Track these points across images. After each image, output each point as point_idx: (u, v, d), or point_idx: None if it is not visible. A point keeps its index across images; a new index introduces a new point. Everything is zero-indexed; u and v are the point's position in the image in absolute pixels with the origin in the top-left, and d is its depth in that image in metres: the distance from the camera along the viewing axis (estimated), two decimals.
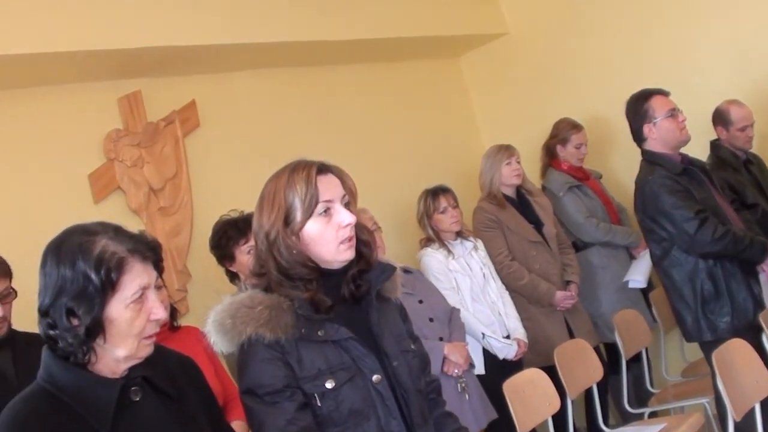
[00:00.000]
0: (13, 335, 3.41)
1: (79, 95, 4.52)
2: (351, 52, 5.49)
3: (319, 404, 2.23)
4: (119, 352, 2.03)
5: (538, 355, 4.75)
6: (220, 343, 2.27)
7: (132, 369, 2.08)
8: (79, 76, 4.44)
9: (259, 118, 5.18)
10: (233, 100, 5.12)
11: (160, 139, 4.67)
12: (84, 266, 1.97)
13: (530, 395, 4.08)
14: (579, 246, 5.36)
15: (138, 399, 2.08)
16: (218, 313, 2.28)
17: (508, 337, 4.71)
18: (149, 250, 2.07)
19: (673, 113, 4.29)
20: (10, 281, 3.35)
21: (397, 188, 5.51)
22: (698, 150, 4.77)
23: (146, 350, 2.08)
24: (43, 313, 2.02)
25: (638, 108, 4.34)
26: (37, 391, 2.05)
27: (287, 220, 2.30)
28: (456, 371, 4.21)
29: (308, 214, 2.29)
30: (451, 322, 4.45)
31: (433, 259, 4.81)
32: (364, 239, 2.39)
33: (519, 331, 4.77)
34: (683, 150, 4.39)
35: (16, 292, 3.36)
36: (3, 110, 4.27)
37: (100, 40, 4.16)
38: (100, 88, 4.58)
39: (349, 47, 5.34)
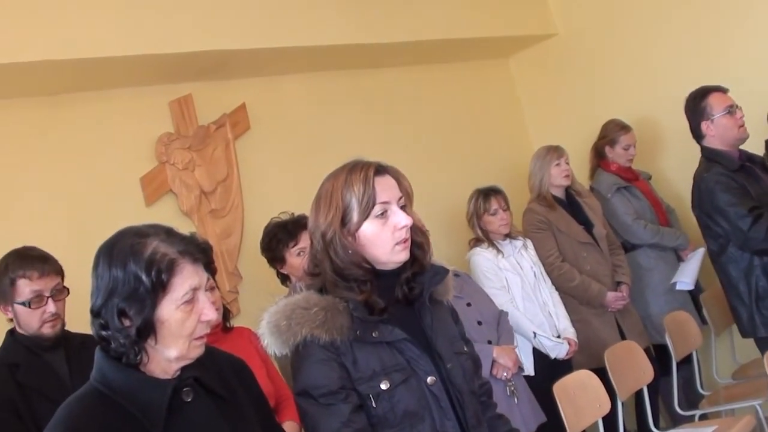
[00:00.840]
0: (67, 336, 3.47)
1: (132, 99, 4.58)
2: (399, 55, 5.50)
3: (374, 405, 2.24)
4: (170, 352, 2.05)
5: (589, 356, 4.72)
6: (274, 345, 2.28)
7: (184, 370, 2.10)
8: (131, 80, 4.50)
9: (308, 121, 5.21)
10: (283, 103, 5.16)
11: (211, 142, 4.72)
12: (135, 268, 1.99)
13: (580, 397, 4.06)
14: (627, 247, 5.32)
15: (189, 400, 2.10)
16: (273, 315, 2.29)
17: (558, 337, 4.70)
18: (200, 252, 2.09)
19: (731, 110, 4.27)
20: (62, 279, 3.41)
21: (446, 190, 5.50)
22: (756, 147, 4.71)
23: (197, 351, 2.10)
24: (95, 313, 2.05)
25: (696, 105, 4.32)
26: (90, 391, 2.08)
27: (344, 221, 2.30)
28: (505, 374, 4.20)
29: (365, 215, 2.29)
30: (500, 326, 4.44)
31: (483, 258, 4.81)
32: (418, 241, 2.40)
33: (569, 331, 4.75)
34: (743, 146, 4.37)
35: (68, 290, 3.42)
36: (58, 114, 4.34)
37: (153, 45, 4.21)
38: (152, 92, 4.64)
39: (397, 49, 5.35)
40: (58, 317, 3.37)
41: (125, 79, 4.45)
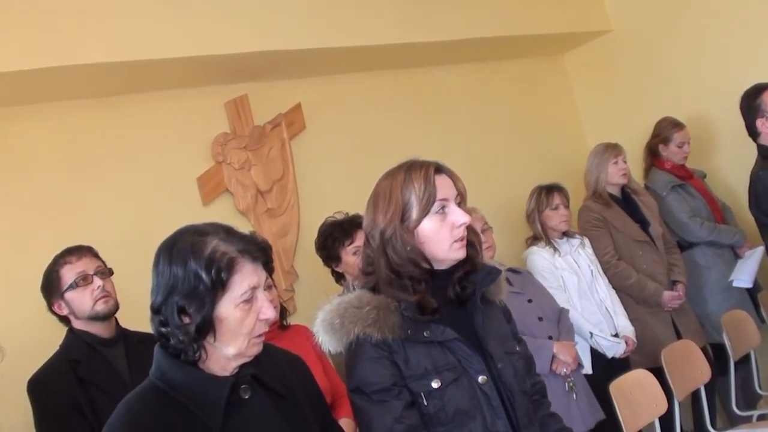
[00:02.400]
0: (126, 333, 3.55)
1: (188, 100, 4.64)
2: (454, 53, 5.50)
3: (425, 403, 2.26)
4: (229, 350, 2.08)
5: (645, 355, 4.69)
6: (328, 343, 2.31)
7: (242, 367, 2.13)
8: (188, 81, 4.55)
9: (363, 120, 5.24)
10: (338, 102, 5.19)
11: (267, 142, 4.76)
12: (195, 266, 2.03)
13: (637, 396, 4.04)
14: (683, 246, 5.27)
15: (248, 397, 2.13)
16: (327, 313, 2.32)
17: (616, 335, 4.67)
18: (259, 251, 2.11)
19: None
20: (102, 262, 3.51)
21: (501, 188, 5.51)
22: None
23: (255, 349, 2.13)
24: (155, 310, 2.09)
25: (751, 103, 4.28)
26: (149, 387, 2.12)
27: (403, 218, 2.33)
28: (565, 370, 4.19)
29: (425, 212, 2.32)
30: (560, 323, 4.43)
31: (539, 257, 4.79)
32: (471, 241, 2.41)
33: (628, 329, 4.72)
34: None
35: (111, 271, 3.52)
36: (115, 115, 4.41)
37: (209, 47, 4.26)
38: (208, 93, 4.69)
39: (452, 47, 5.35)
40: (109, 294, 3.46)
41: (181, 80, 4.51)
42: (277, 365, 2.29)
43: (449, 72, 5.74)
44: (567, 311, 4.53)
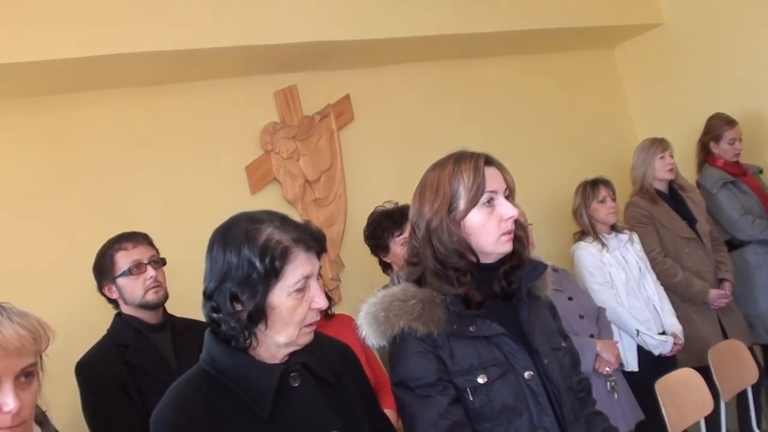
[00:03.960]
0: (173, 319, 3.59)
1: (238, 89, 4.67)
2: (502, 44, 5.47)
3: (471, 399, 2.25)
4: (280, 338, 2.09)
5: (690, 354, 4.64)
6: (371, 336, 2.30)
7: (292, 355, 2.14)
8: (238, 71, 4.58)
9: (411, 112, 5.23)
10: (386, 93, 5.19)
11: (315, 132, 4.78)
12: (249, 253, 2.04)
13: (683, 396, 4.01)
14: (735, 244, 5.20)
15: (297, 385, 2.14)
16: (371, 306, 2.32)
17: (663, 333, 4.63)
18: (313, 240, 2.12)
19: None
20: (156, 251, 3.56)
21: (547, 182, 5.48)
22: None
23: (306, 338, 2.13)
24: (208, 296, 2.10)
25: None
26: (199, 373, 2.13)
27: (450, 209, 2.31)
28: (607, 369, 4.17)
29: (473, 203, 2.30)
30: (599, 321, 4.41)
31: (587, 253, 4.76)
32: (518, 235, 2.39)
33: (675, 327, 4.68)
34: None
35: (164, 261, 3.57)
36: (166, 103, 4.45)
37: (259, 36, 4.28)
38: (258, 83, 4.72)
39: (500, 39, 5.32)
40: (160, 284, 3.51)
41: (232, 69, 4.54)
42: (326, 354, 2.30)
43: (497, 63, 5.71)
44: (604, 310, 4.51)
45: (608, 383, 4.17)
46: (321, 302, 2.11)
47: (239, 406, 2.06)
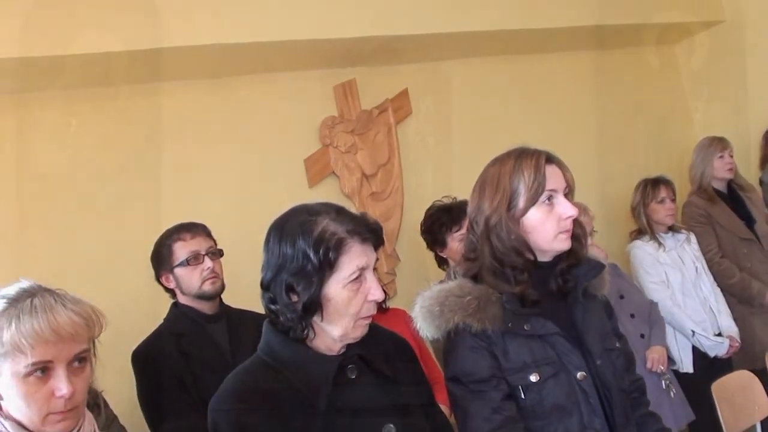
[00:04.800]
0: (228, 310, 3.63)
1: (298, 83, 4.69)
2: (562, 40, 5.43)
3: (522, 396, 2.25)
4: (335, 330, 2.10)
5: (745, 356, 4.58)
6: (426, 329, 2.31)
7: (349, 347, 2.15)
8: (297, 64, 4.61)
9: (468, 107, 5.22)
10: (444, 88, 5.18)
11: (374, 127, 4.80)
12: (304, 245, 2.05)
13: (739, 398, 3.96)
14: None
15: (354, 377, 2.15)
16: (426, 300, 2.32)
17: (719, 334, 4.57)
18: (369, 232, 2.12)
19: None
20: (215, 243, 3.59)
21: (606, 180, 5.44)
22: None
23: (361, 330, 2.14)
24: (265, 287, 2.12)
25: None
26: (257, 362, 2.16)
27: (509, 206, 2.31)
28: (661, 367, 4.14)
29: (533, 201, 2.29)
30: (651, 317, 4.38)
31: (643, 252, 4.73)
32: (576, 233, 2.39)
33: (732, 329, 4.63)
34: None
35: (222, 252, 3.59)
36: (227, 96, 4.49)
37: (319, 30, 4.30)
38: (317, 77, 4.74)
39: (560, 34, 5.29)
40: (217, 276, 3.54)
41: (291, 63, 4.57)
42: (384, 347, 2.30)
43: (557, 59, 5.66)
44: (656, 304, 4.47)
45: (663, 381, 4.14)
46: (377, 294, 2.12)
47: (296, 396, 2.08)
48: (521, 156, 2.34)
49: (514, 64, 5.48)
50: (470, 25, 4.81)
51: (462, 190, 2.65)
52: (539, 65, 5.60)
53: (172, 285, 3.55)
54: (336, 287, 2.07)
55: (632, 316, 4.28)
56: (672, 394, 4.15)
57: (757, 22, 5.78)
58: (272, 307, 2.11)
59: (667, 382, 4.16)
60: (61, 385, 1.93)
